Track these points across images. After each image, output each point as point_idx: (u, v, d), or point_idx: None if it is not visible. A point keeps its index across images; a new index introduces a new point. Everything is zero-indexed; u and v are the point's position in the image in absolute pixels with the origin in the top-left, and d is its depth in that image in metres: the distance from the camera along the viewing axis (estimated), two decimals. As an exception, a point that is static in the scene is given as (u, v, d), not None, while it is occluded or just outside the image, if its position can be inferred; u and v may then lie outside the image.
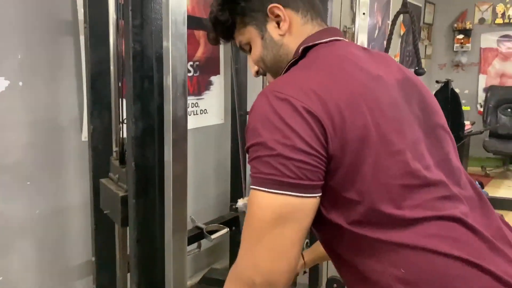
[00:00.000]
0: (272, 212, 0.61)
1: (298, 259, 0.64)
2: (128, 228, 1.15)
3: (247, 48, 0.84)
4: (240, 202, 1.90)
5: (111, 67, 1.30)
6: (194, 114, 2.17)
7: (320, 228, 0.70)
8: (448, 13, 5.88)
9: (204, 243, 1.92)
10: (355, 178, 0.63)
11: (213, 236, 1.77)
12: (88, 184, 1.46)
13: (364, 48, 0.80)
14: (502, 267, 0.62)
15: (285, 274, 0.62)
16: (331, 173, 0.63)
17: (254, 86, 2.24)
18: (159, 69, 1.07)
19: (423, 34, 5.48)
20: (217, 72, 2.33)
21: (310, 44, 0.75)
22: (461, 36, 5.82)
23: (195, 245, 1.84)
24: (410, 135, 0.67)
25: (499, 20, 5.66)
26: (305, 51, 0.75)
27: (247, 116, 2.28)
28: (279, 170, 0.60)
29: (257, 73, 0.86)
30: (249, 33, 0.81)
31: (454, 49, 5.89)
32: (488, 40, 5.79)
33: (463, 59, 5.89)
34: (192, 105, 2.16)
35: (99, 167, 1.38)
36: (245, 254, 0.65)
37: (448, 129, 0.78)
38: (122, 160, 1.22)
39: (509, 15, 5.60)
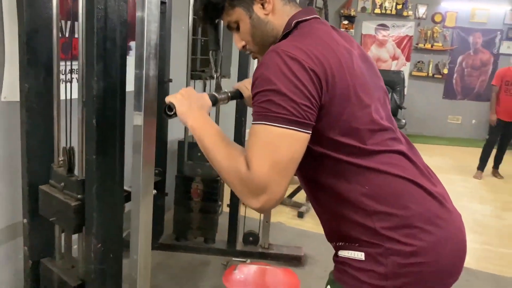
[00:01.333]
0: (285, 142, 0.78)
1: (292, 176, 0.81)
2: (86, 187, 1.19)
3: (235, 27, 0.97)
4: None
5: (54, 26, 1.29)
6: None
7: (305, 157, 0.86)
8: (336, 0, 6.46)
9: (128, 206, 1.98)
10: (337, 123, 0.83)
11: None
12: (11, 146, 1.41)
13: (332, 26, 1.00)
14: (428, 185, 0.90)
15: (284, 188, 0.79)
16: (322, 116, 0.83)
17: (177, 54, 2.30)
18: (122, 32, 1.13)
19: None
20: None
21: (301, 19, 0.93)
22: (346, 22, 6.47)
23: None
24: (372, 95, 0.90)
25: (377, 10, 6.43)
26: (296, 24, 0.93)
27: (169, 84, 2.32)
28: (290, 111, 0.77)
29: (243, 47, 0.99)
30: (237, 14, 0.94)
31: (340, 33, 6.53)
32: (368, 27, 6.55)
33: (347, 43, 6.57)
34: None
35: (34, 133, 1.36)
36: (260, 169, 0.77)
37: (388, 94, 1.03)
38: (70, 170, 1.24)
39: (385, 6, 6.40)
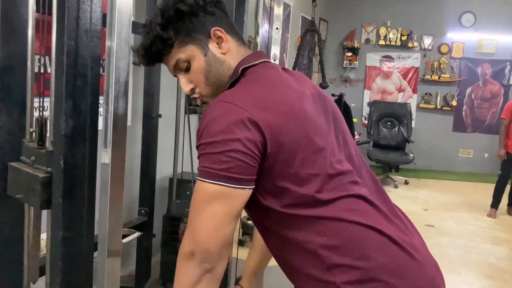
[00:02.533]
0: (208, 195, 0.78)
1: (230, 238, 0.80)
2: (50, 230, 1.14)
3: (184, 66, 0.92)
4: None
5: (28, 63, 1.28)
6: (100, 115, 2.15)
7: (255, 210, 0.87)
8: (339, 31, 6.57)
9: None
10: (287, 170, 0.81)
11: (124, 240, 1.79)
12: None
13: (284, 68, 0.99)
14: (395, 232, 0.85)
15: (217, 246, 0.78)
16: (269, 168, 0.80)
17: (167, 89, 2.30)
18: (93, 68, 1.11)
19: (317, 49, 6.04)
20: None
21: (248, 65, 0.91)
22: (350, 54, 6.56)
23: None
24: (327, 137, 0.87)
25: (382, 42, 6.52)
26: (243, 70, 0.91)
27: (158, 119, 2.32)
28: (218, 165, 0.76)
29: (191, 90, 0.95)
30: (190, 51, 0.90)
31: (344, 65, 6.61)
32: (372, 59, 6.62)
33: (351, 75, 6.64)
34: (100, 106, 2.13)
35: (6, 158, 1.33)
36: (187, 230, 0.81)
37: (347, 130, 1.00)
38: (41, 141, 1.20)
39: (390, 38, 6.48)
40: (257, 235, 1.24)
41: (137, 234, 1.90)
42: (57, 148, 1.10)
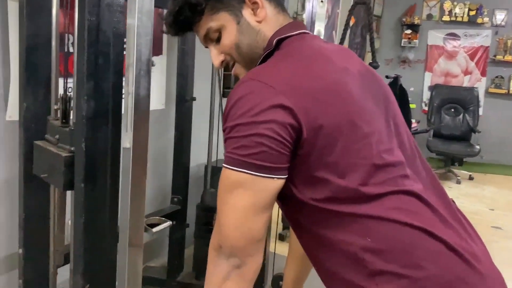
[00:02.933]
0: (230, 184, 0.76)
1: (259, 233, 0.77)
2: (73, 216, 1.18)
3: (215, 36, 0.90)
4: None
5: (53, 41, 1.32)
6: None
7: (289, 204, 0.83)
8: (397, 6, 6.32)
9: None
10: (326, 159, 0.76)
11: (154, 230, 1.82)
12: (10, 165, 1.45)
13: (326, 42, 0.93)
14: (452, 238, 0.78)
15: (242, 240, 0.76)
16: (305, 156, 0.76)
17: (201, 71, 2.31)
18: (116, 46, 1.12)
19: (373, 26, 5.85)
20: (159, 52, 2.36)
21: (283, 36, 0.86)
22: (409, 31, 6.29)
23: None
24: (374, 122, 0.81)
25: (446, 18, 6.20)
26: (278, 42, 0.87)
27: (193, 103, 2.34)
28: (242, 151, 0.74)
29: (222, 63, 0.93)
30: (222, 19, 0.87)
31: (402, 44, 6.36)
32: (435, 37, 6.32)
33: (410, 55, 6.37)
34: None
35: (32, 136, 1.38)
36: (216, 221, 0.79)
37: (402, 118, 0.94)
38: (65, 119, 1.23)
39: (455, 13, 6.15)
40: (293, 241, 1.22)
41: (168, 223, 1.92)
42: (78, 130, 1.12)
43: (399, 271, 0.75)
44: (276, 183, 0.76)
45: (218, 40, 0.90)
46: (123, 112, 1.11)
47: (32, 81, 1.40)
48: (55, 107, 1.32)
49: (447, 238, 0.78)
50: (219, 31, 0.89)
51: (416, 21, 6.24)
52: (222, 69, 2.25)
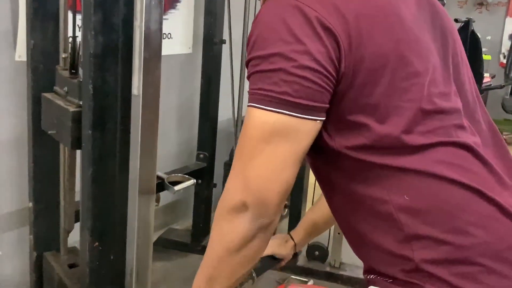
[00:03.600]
0: (266, 130, 0.71)
1: (291, 182, 0.74)
2: (81, 166, 1.21)
3: None
4: None
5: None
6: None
7: (318, 155, 0.80)
8: None
9: (164, 197, 2.02)
10: (365, 100, 0.72)
11: (176, 188, 1.86)
12: (21, 112, 1.50)
13: None
14: (509, 201, 0.74)
15: (278, 194, 0.72)
16: (340, 94, 0.72)
17: (234, 8, 2.27)
18: (126, -28, 1.11)
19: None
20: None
21: None
22: (489, -34, 5.92)
23: (152, 198, 1.94)
24: (429, 58, 0.77)
25: (537, -51, 5.77)
26: None
27: (222, 46, 2.30)
28: (279, 86, 0.69)
29: None
30: None
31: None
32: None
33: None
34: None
35: (41, 86, 1.41)
36: (235, 176, 0.75)
37: (465, 58, 0.89)
38: (73, 69, 1.25)
39: None
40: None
41: (192, 181, 1.96)
42: (86, 70, 1.13)
43: (440, 236, 0.72)
44: (318, 126, 0.73)
45: None
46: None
47: (41, 15, 1.41)
48: (64, 55, 1.34)
49: (503, 201, 0.74)
50: None
51: (499, -46, 5.85)
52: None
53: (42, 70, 1.43)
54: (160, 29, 1.02)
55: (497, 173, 0.77)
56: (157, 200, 1.95)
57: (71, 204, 1.45)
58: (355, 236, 0.84)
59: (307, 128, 0.71)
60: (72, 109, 1.19)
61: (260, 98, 0.70)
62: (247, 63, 0.74)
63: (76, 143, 1.21)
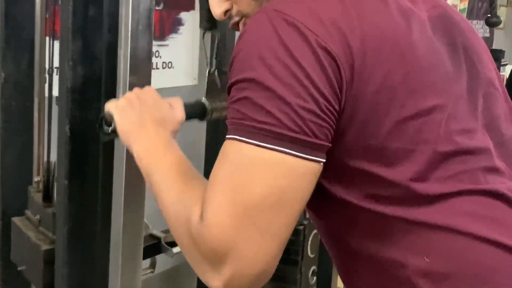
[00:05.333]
0: (266, 172, 0.68)
1: (284, 232, 0.70)
2: (56, 226, 1.22)
3: None
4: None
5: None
6: (153, 68, 2.24)
7: (318, 205, 0.79)
8: None
9: (161, 261, 2.00)
10: (368, 141, 0.72)
11: (175, 250, 1.84)
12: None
13: None
14: None
15: (275, 262, 0.70)
16: (338, 134, 0.71)
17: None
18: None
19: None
20: (190, 7, 2.39)
21: None
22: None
23: (147, 262, 1.92)
24: (448, 89, 0.77)
25: None
26: None
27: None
28: (277, 119, 0.66)
29: (226, 14, 0.89)
30: None
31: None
32: None
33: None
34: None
35: (10, 145, 1.44)
36: (221, 215, 0.69)
37: (501, 84, 0.88)
38: (48, 194, 1.29)
39: None
40: None
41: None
42: (61, 108, 1.15)
43: None
44: (320, 170, 0.71)
45: None
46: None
47: (13, 43, 1.45)
48: (36, 179, 1.39)
49: None
50: None
51: None
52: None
53: (14, 109, 1.46)
54: (149, 58, 1.03)
55: None
56: (153, 266, 1.94)
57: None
58: None
59: (313, 172, 0.70)
60: (44, 247, 1.22)
61: (248, 129, 0.68)
62: (229, 87, 0.72)
63: (49, 285, 1.24)
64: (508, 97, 0.88)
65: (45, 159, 1.37)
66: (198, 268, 0.72)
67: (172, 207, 0.77)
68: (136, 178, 1.07)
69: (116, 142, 1.15)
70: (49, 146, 1.38)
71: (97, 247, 1.21)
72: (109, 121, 0.96)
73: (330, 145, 0.71)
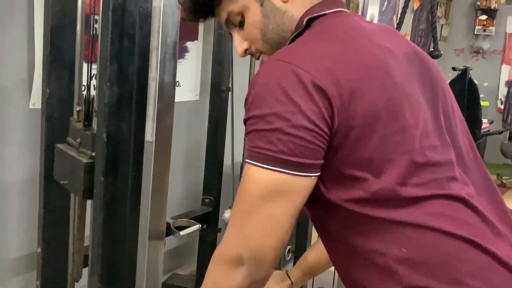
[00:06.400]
0: (264, 188, 0.74)
1: (288, 238, 0.77)
2: (92, 212, 1.22)
3: (237, 20, 0.90)
4: (227, 214, 1.99)
5: (78, 21, 1.37)
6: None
7: (317, 207, 0.83)
8: (471, -13, 6.12)
9: (168, 242, 2.01)
10: (360, 154, 0.75)
11: (182, 233, 1.85)
12: (33, 158, 1.52)
13: (368, 21, 0.93)
14: (504, 250, 0.76)
15: (274, 250, 0.75)
16: (334, 149, 0.76)
17: (239, 58, 2.33)
18: (142, 27, 1.15)
19: (440, 11, 5.69)
20: (194, 37, 2.41)
21: (315, 15, 0.86)
22: (484, 17, 6.08)
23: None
24: (419, 112, 0.80)
25: (529, 1, 5.95)
26: (309, 22, 0.86)
27: (229, 93, 2.35)
28: (275, 146, 0.72)
29: (246, 52, 0.94)
30: (243, 1, 0.88)
31: (475, 32, 6.15)
32: (515, 24, 6.08)
33: (485, 45, 6.15)
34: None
35: (54, 135, 1.44)
36: (234, 229, 0.78)
37: (458, 109, 0.92)
38: (87, 121, 1.27)
39: (542, -4, 5.89)
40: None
41: (197, 226, 1.95)
42: (100, 119, 1.16)
43: (438, 287, 0.74)
44: (313, 182, 0.76)
45: (241, 24, 0.91)
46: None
47: (57, 65, 1.45)
48: (78, 108, 1.37)
49: (498, 251, 0.76)
50: (242, 14, 0.89)
51: (493, 5, 6.01)
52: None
53: (56, 119, 1.46)
54: (174, 80, 1.05)
55: (491, 223, 0.79)
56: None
57: (80, 253, 1.45)
58: (354, 285, 0.86)
59: (302, 184, 0.75)
60: (84, 160, 1.21)
61: (257, 156, 0.74)
62: (245, 121, 0.78)
63: (88, 194, 1.23)
64: (461, 115, 0.91)
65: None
66: (220, 270, 0.81)
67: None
68: (161, 175, 1.08)
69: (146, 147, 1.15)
70: (90, 70, 1.34)
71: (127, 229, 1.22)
72: None
73: (322, 161, 0.75)
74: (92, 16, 1.85)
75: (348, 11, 0.90)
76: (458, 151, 0.84)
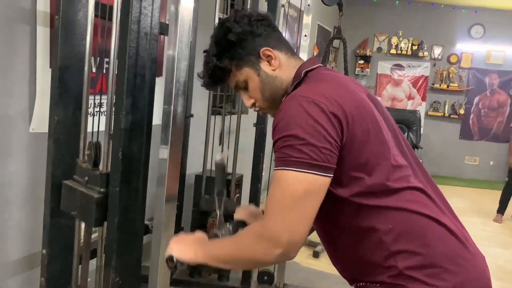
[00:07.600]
0: (304, 186, 0.79)
1: (312, 221, 0.81)
2: (108, 216, 1.20)
3: (243, 86, 0.99)
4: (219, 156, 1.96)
5: (86, 62, 1.34)
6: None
7: (325, 200, 0.86)
8: (353, 40, 6.58)
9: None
10: (358, 160, 0.84)
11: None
12: (34, 175, 1.43)
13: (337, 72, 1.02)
14: (450, 224, 0.89)
15: (305, 235, 0.80)
16: (342, 158, 0.83)
17: (199, 90, 2.36)
18: (150, 68, 1.17)
19: (331, 57, 6.07)
20: (159, 74, 2.39)
21: (309, 68, 0.95)
22: (362, 62, 6.58)
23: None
24: (386, 133, 0.91)
25: (393, 51, 6.53)
26: (306, 73, 0.95)
27: (190, 119, 2.34)
28: (309, 155, 0.79)
29: (253, 105, 1.01)
30: (245, 73, 0.96)
31: (356, 73, 6.63)
32: (384, 67, 6.63)
33: (363, 82, 6.64)
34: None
35: (60, 162, 1.37)
36: (278, 215, 0.79)
37: (400, 131, 1.03)
38: (95, 164, 1.24)
39: (401, 47, 6.49)
40: None
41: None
42: (115, 141, 1.15)
43: (414, 249, 0.84)
44: (330, 181, 0.82)
45: (246, 88, 0.99)
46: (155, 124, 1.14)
47: (64, 97, 1.41)
48: (87, 152, 1.27)
49: (447, 224, 0.88)
50: (246, 81, 0.98)
51: (368, 53, 6.54)
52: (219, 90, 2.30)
53: (63, 142, 1.40)
54: (183, 111, 1.08)
55: (439, 205, 0.91)
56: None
57: (87, 248, 1.39)
58: (350, 257, 0.92)
59: (327, 182, 0.81)
60: (96, 195, 1.18)
61: (295, 163, 0.79)
62: (276, 140, 0.82)
63: (99, 222, 1.20)
64: (402, 134, 1.03)
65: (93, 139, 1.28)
66: (264, 250, 0.80)
67: (236, 246, 0.86)
68: (173, 184, 1.09)
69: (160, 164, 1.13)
70: (99, 104, 1.27)
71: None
72: (172, 259, 0.95)
73: (335, 166, 0.82)
74: (98, 58, 1.81)
75: (323, 66, 1.00)
76: (407, 158, 0.94)
